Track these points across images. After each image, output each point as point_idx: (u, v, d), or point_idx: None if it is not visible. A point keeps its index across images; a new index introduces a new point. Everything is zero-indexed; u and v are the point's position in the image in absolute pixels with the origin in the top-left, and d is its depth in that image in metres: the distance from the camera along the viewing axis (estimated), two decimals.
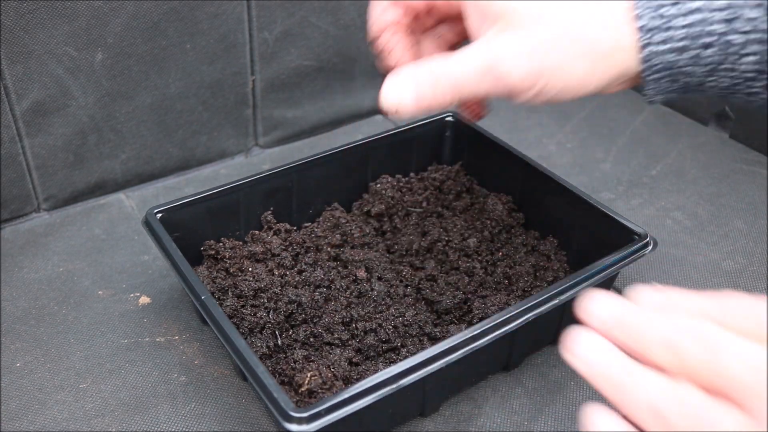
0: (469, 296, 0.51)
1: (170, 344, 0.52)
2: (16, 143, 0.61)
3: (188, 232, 0.52)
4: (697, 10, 0.36)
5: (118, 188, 0.69)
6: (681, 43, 0.36)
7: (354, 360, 0.46)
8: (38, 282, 0.57)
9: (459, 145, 0.62)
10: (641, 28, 0.37)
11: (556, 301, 0.44)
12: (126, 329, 0.53)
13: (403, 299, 0.50)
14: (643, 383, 0.30)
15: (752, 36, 0.35)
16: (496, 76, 0.38)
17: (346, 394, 0.37)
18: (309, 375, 0.41)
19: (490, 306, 0.49)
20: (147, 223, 0.50)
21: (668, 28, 0.36)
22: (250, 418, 0.47)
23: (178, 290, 0.56)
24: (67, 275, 0.58)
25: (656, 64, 0.37)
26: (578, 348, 0.32)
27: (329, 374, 0.43)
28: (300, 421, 0.36)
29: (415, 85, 0.40)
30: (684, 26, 0.36)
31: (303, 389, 0.41)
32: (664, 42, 0.36)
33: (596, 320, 0.33)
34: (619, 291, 0.57)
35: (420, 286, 0.51)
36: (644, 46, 0.37)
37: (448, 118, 0.62)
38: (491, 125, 0.78)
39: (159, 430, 0.46)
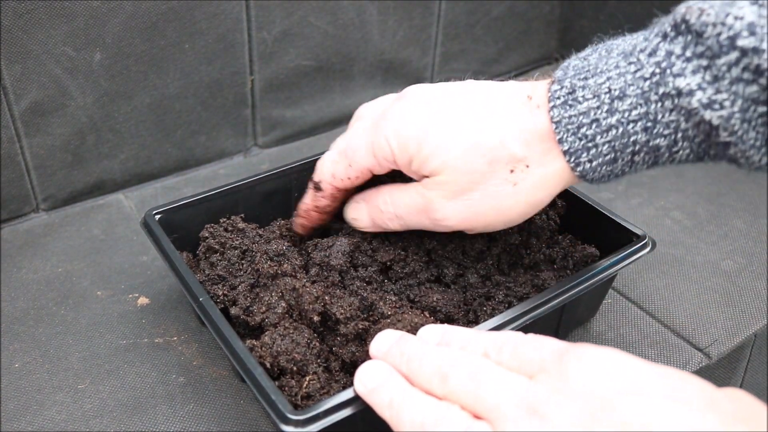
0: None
1: (169, 345, 0.52)
2: (14, 143, 0.61)
3: (187, 233, 0.52)
4: (615, 126, 0.37)
5: (116, 188, 0.69)
6: (609, 156, 0.38)
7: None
8: (37, 282, 0.57)
9: None
10: (566, 153, 0.39)
11: (554, 303, 0.44)
12: (125, 330, 0.53)
13: (403, 302, 0.50)
14: (411, 402, 0.33)
15: (678, 135, 0.36)
16: (434, 219, 0.43)
17: (344, 397, 0.37)
18: (307, 378, 0.41)
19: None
20: (145, 225, 0.50)
21: (592, 147, 0.38)
22: (248, 419, 0.47)
23: (177, 291, 0.56)
24: (65, 276, 0.58)
25: (594, 176, 0.39)
26: (360, 373, 0.37)
27: (328, 377, 0.43)
28: (297, 423, 0.36)
29: (369, 213, 0.47)
30: (607, 142, 0.37)
31: (301, 392, 0.40)
32: (591, 160, 0.38)
33: (377, 351, 0.38)
34: (618, 292, 0.57)
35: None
36: (575, 167, 0.39)
37: None
38: None
39: (157, 430, 0.46)
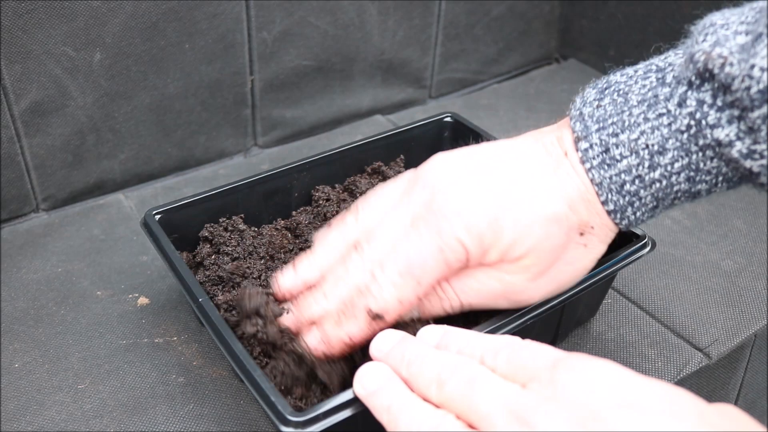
0: None
1: (169, 345, 0.52)
2: (14, 143, 0.61)
3: (187, 233, 0.52)
4: (658, 179, 0.38)
5: (116, 188, 0.69)
6: (652, 205, 0.39)
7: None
8: (37, 282, 0.57)
9: (457, 146, 0.62)
10: (610, 212, 0.39)
11: (554, 303, 0.44)
12: (124, 330, 0.53)
13: None
14: (409, 408, 0.33)
15: (719, 179, 0.37)
16: (516, 302, 0.42)
17: (343, 398, 0.37)
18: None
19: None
20: (145, 225, 0.50)
21: (636, 200, 0.39)
22: (248, 420, 0.47)
23: (177, 291, 0.56)
24: (65, 276, 0.58)
25: (636, 223, 0.40)
26: (360, 375, 0.37)
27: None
28: (297, 424, 0.36)
29: (420, 307, 0.41)
30: (650, 194, 0.38)
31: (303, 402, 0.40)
32: (635, 212, 0.39)
33: (378, 351, 0.38)
34: (618, 292, 0.57)
35: None
36: (620, 221, 0.40)
37: (446, 119, 0.62)
38: (490, 125, 0.78)
39: (157, 430, 0.46)
